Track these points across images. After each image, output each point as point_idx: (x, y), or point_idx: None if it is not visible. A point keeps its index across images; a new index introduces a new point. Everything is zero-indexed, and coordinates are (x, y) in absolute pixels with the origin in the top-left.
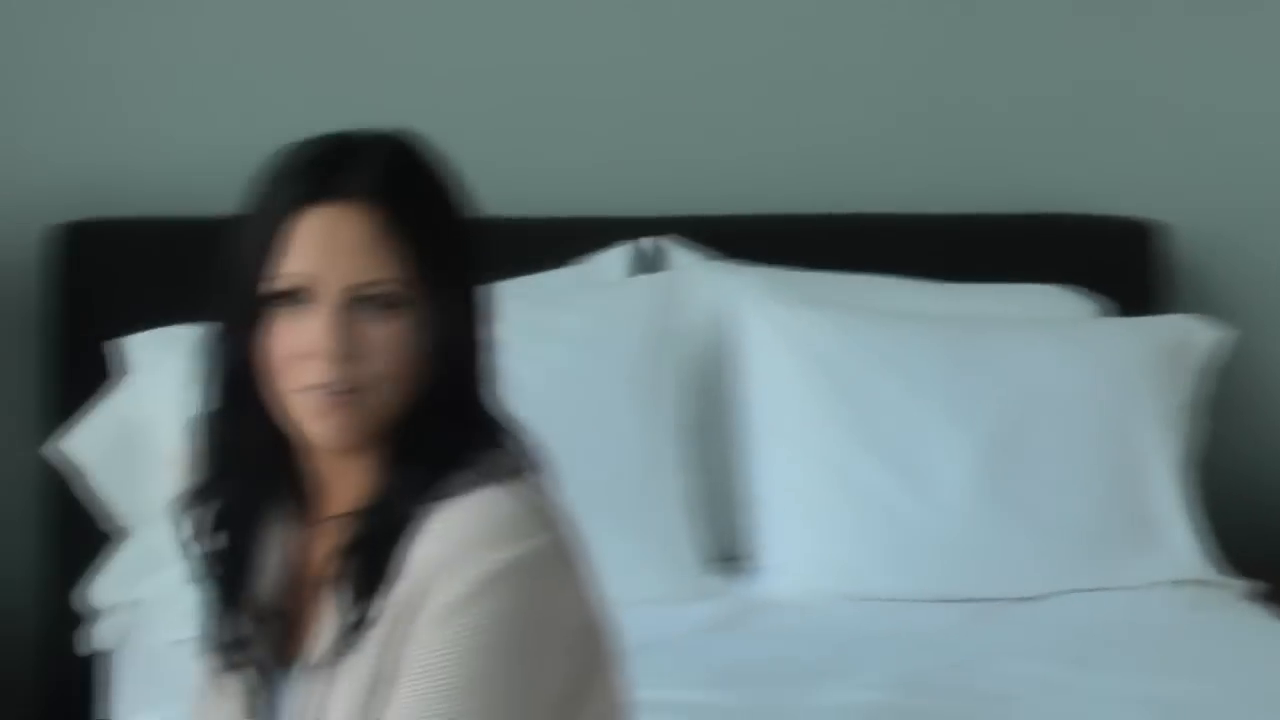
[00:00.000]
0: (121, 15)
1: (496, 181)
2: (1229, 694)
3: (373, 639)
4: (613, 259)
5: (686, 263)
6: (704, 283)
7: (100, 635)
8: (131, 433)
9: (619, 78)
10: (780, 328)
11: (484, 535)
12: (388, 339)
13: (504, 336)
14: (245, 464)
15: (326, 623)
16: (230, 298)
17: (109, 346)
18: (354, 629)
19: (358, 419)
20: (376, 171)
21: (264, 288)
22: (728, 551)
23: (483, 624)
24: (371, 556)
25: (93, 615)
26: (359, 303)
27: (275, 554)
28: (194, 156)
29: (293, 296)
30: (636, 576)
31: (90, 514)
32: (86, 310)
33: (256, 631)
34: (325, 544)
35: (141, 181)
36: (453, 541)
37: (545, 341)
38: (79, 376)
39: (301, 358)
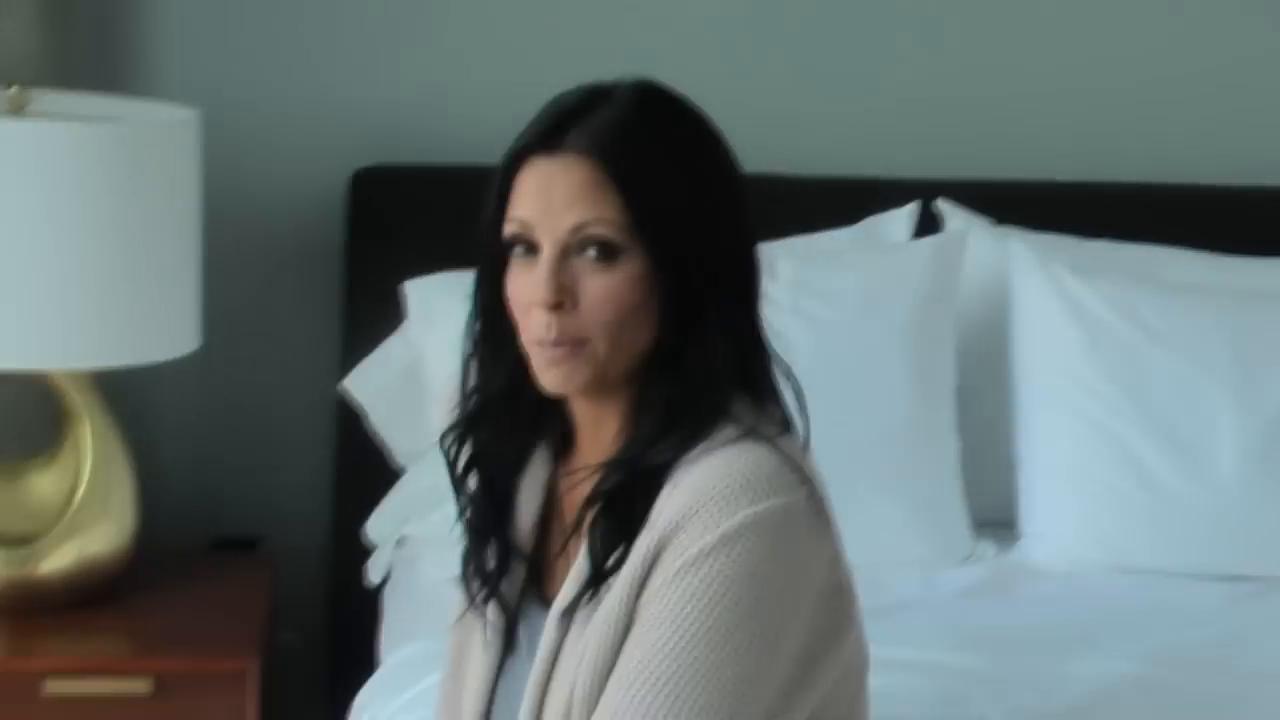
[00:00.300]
0: None
1: (784, 141)
2: None
3: (619, 586)
4: (896, 220)
5: (962, 226)
6: (981, 247)
7: (375, 570)
8: (409, 375)
9: (904, 47)
10: (1058, 294)
11: (735, 488)
12: (607, 289)
13: (777, 294)
14: (504, 406)
15: (576, 567)
16: (479, 244)
17: (399, 289)
18: (599, 577)
19: (582, 371)
20: (598, 124)
21: (498, 232)
22: (993, 517)
23: (728, 575)
24: (617, 508)
25: (371, 550)
26: (577, 252)
27: (533, 496)
28: (487, 105)
29: (523, 246)
30: (904, 537)
31: (375, 448)
32: (380, 252)
33: (510, 569)
34: (581, 489)
35: (440, 127)
36: (704, 493)
37: (823, 300)
38: (372, 316)
39: (529, 308)
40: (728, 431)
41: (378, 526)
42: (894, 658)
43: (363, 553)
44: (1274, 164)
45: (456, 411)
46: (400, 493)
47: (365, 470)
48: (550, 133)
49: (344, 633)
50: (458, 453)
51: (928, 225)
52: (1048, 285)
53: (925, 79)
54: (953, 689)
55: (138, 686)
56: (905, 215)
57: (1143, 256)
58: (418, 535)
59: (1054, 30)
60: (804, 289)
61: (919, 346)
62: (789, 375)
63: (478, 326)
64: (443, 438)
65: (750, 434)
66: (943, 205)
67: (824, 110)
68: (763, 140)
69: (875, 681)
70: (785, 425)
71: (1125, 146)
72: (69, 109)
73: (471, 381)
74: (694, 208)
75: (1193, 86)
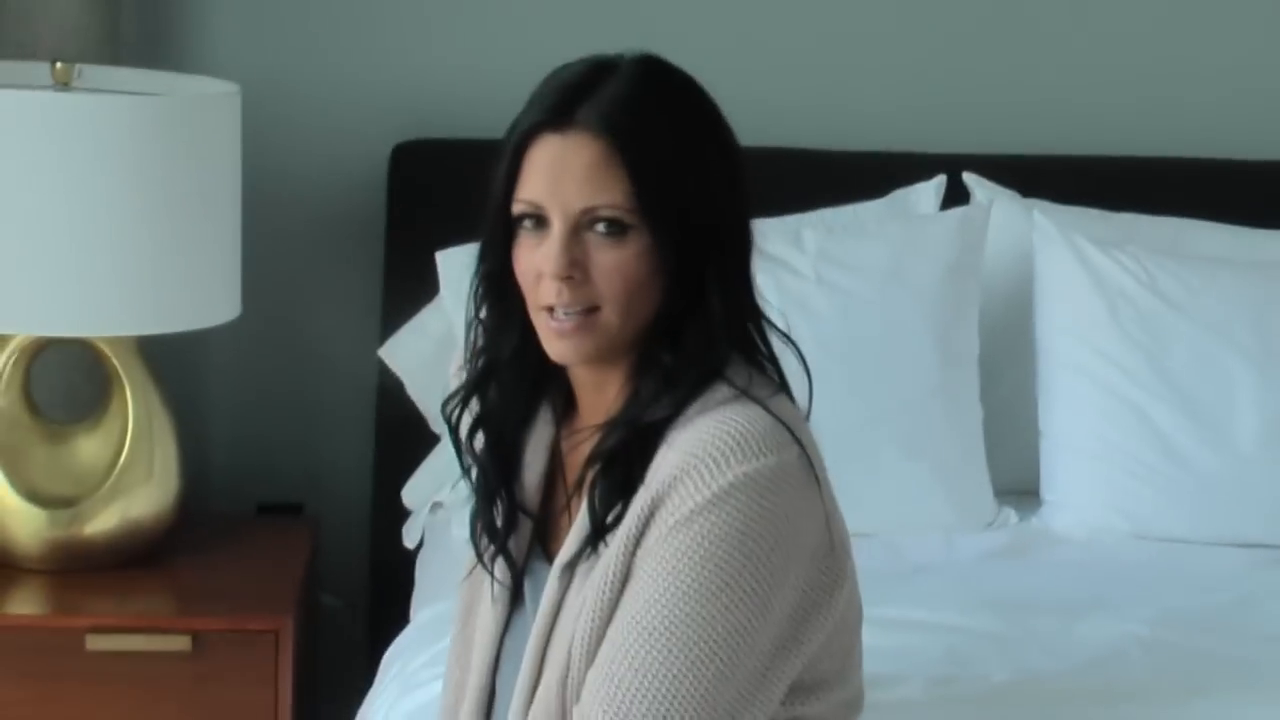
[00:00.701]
0: None
1: (814, 116)
2: None
3: (616, 542)
4: (923, 192)
5: (988, 198)
6: (1006, 218)
7: (411, 534)
8: (443, 343)
9: (935, 22)
10: (1081, 265)
11: (728, 447)
12: (616, 263)
13: (803, 264)
14: (508, 372)
15: (576, 524)
16: (486, 218)
17: (433, 260)
18: (597, 534)
19: (591, 341)
20: (606, 101)
21: (508, 208)
22: (1015, 484)
23: (720, 532)
24: (616, 467)
25: (406, 514)
26: (587, 227)
27: (538, 457)
28: (520, 80)
29: (533, 220)
30: (927, 504)
31: (415, 419)
32: (420, 224)
33: (516, 527)
34: (582, 449)
35: (477, 102)
36: (697, 452)
37: (851, 271)
38: (411, 287)
39: (539, 279)
40: (722, 392)
41: (414, 492)
42: (908, 618)
43: (402, 517)
44: None
45: (464, 376)
46: (435, 459)
47: (405, 437)
48: (560, 109)
49: (383, 595)
50: (460, 415)
51: (956, 198)
52: (1071, 256)
53: (955, 54)
54: (961, 648)
55: (177, 644)
56: (932, 188)
57: (1165, 229)
58: (450, 500)
59: (1081, 6)
60: (830, 259)
61: (943, 316)
62: (788, 340)
63: (483, 294)
64: (446, 402)
65: (743, 395)
66: (970, 178)
67: (856, 85)
68: (795, 114)
69: (885, 640)
70: (781, 388)
71: (1150, 121)
72: (113, 83)
73: (477, 346)
74: (698, 185)
75: (1216, 61)
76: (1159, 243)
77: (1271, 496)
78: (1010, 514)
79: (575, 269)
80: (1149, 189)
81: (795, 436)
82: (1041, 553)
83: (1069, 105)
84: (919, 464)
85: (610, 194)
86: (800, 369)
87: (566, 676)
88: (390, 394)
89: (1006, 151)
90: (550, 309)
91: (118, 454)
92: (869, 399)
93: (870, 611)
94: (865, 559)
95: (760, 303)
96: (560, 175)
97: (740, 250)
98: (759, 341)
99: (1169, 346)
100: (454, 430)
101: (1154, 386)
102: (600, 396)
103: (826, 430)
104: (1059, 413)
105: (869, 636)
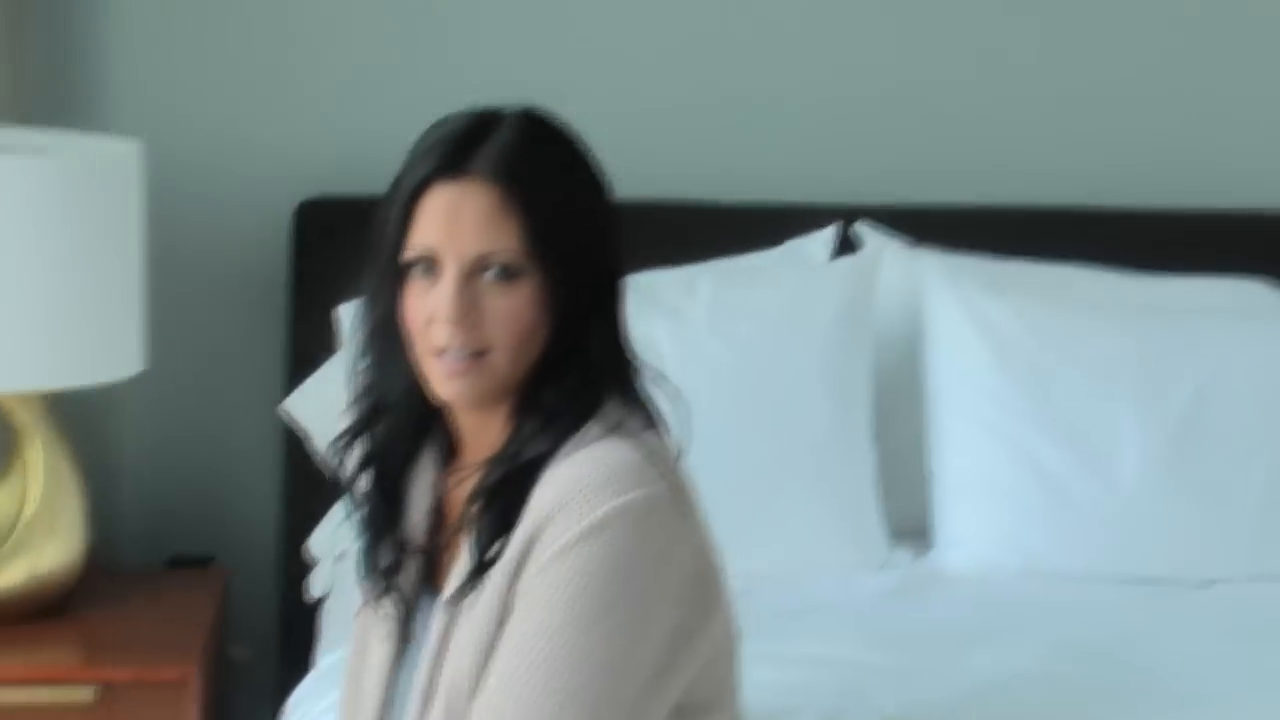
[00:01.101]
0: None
1: (710, 169)
2: None
3: (497, 576)
4: (816, 242)
5: (879, 247)
6: (896, 267)
7: (317, 584)
8: (345, 396)
9: (825, 78)
10: (968, 312)
11: (599, 481)
12: (507, 307)
13: (698, 312)
14: (393, 414)
15: (460, 560)
16: (374, 265)
17: (333, 315)
18: (479, 568)
19: (481, 382)
20: (498, 150)
21: (399, 254)
22: (910, 524)
23: (594, 563)
24: (496, 502)
25: (313, 565)
26: (480, 273)
27: (423, 495)
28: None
29: (424, 265)
30: (823, 543)
31: (316, 468)
32: (323, 279)
33: (403, 563)
34: (465, 486)
35: (381, 161)
36: (570, 487)
37: (744, 318)
38: (316, 341)
39: (429, 322)
40: (596, 430)
41: (320, 542)
42: (802, 654)
43: (310, 567)
44: (1171, 187)
45: (348, 419)
46: (340, 510)
47: (311, 488)
48: (453, 158)
49: (291, 645)
50: (345, 456)
51: (849, 248)
52: (959, 303)
53: (847, 108)
54: (853, 682)
55: (82, 695)
56: (825, 237)
57: (1050, 275)
58: (352, 550)
59: (969, 65)
60: (725, 307)
61: (836, 362)
62: (661, 381)
63: (369, 339)
64: (333, 442)
65: (615, 431)
66: (862, 228)
67: (750, 139)
68: (690, 168)
69: (779, 675)
70: (652, 425)
71: (1035, 171)
72: (17, 142)
73: (361, 389)
74: (584, 231)
75: (1096, 114)
76: (1044, 289)
77: (1153, 530)
78: (904, 554)
79: (469, 313)
80: (1035, 237)
81: (664, 471)
82: (934, 590)
83: (957, 157)
84: (814, 505)
85: (505, 239)
86: (674, 407)
87: (453, 709)
88: (296, 446)
89: (897, 202)
90: (440, 351)
91: (21, 508)
92: (765, 443)
93: (765, 647)
94: (762, 597)
95: (633, 345)
96: (455, 221)
97: (617, 294)
98: (634, 381)
99: (1054, 389)
100: (340, 469)
101: (1040, 427)
102: (483, 435)
103: (723, 472)
104: (949, 455)
105: (764, 672)
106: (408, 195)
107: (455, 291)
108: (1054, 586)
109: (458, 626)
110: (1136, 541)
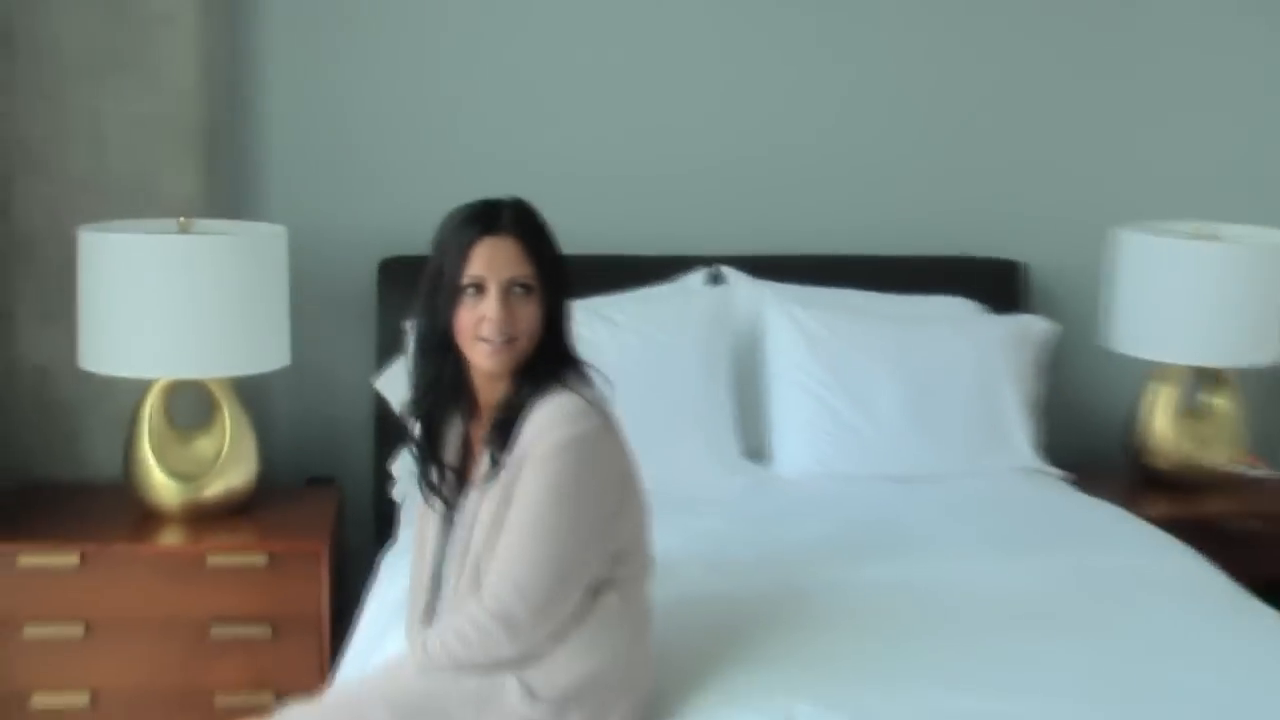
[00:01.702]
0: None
1: (630, 233)
2: (1041, 526)
3: (504, 476)
4: (695, 278)
5: (736, 280)
6: (747, 292)
7: (398, 492)
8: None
9: (701, 170)
10: (792, 320)
11: (570, 415)
12: (529, 311)
13: (622, 319)
14: (442, 384)
15: (481, 466)
16: (433, 293)
17: (403, 326)
18: (495, 468)
19: (509, 357)
20: (515, 219)
21: (458, 282)
22: (755, 448)
23: (562, 468)
24: (503, 430)
25: (393, 481)
26: (510, 290)
27: (456, 435)
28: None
29: (474, 288)
30: (700, 461)
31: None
32: (400, 305)
33: (445, 477)
34: (482, 425)
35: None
36: (547, 419)
37: (648, 322)
38: (396, 344)
39: (479, 322)
40: (559, 389)
41: (397, 467)
42: (690, 526)
43: (392, 482)
44: (910, 241)
45: (412, 390)
46: (407, 446)
47: (392, 433)
48: (488, 223)
49: (381, 531)
50: (409, 413)
51: (717, 280)
52: (785, 315)
53: (714, 194)
54: (723, 542)
55: (259, 560)
56: (700, 275)
57: (839, 296)
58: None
59: (798, 150)
60: (638, 318)
61: (708, 352)
62: (594, 364)
63: (428, 339)
64: (403, 406)
65: (571, 389)
66: (724, 269)
67: (656, 213)
68: (618, 232)
69: (676, 538)
70: (595, 386)
71: (829, 231)
72: (212, 227)
73: (422, 371)
74: (559, 266)
75: (866, 198)
76: (836, 304)
77: (901, 447)
78: (752, 466)
79: (506, 314)
80: (830, 273)
81: (602, 412)
82: (771, 488)
83: (782, 223)
84: (694, 437)
85: (525, 269)
86: (604, 378)
87: (477, 558)
88: (383, 407)
89: (747, 253)
90: (487, 340)
91: (221, 449)
92: (662, 399)
93: (668, 522)
94: (664, 492)
95: (578, 339)
96: (495, 259)
97: (569, 309)
98: (580, 361)
99: (844, 364)
100: (407, 422)
101: (834, 388)
102: (493, 393)
103: (637, 419)
104: (780, 404)
105: (667, 537)
106: (463, 246)
107: (500, 301)
108: (842, 484)
109: (481, 508)
110: (892, 455)
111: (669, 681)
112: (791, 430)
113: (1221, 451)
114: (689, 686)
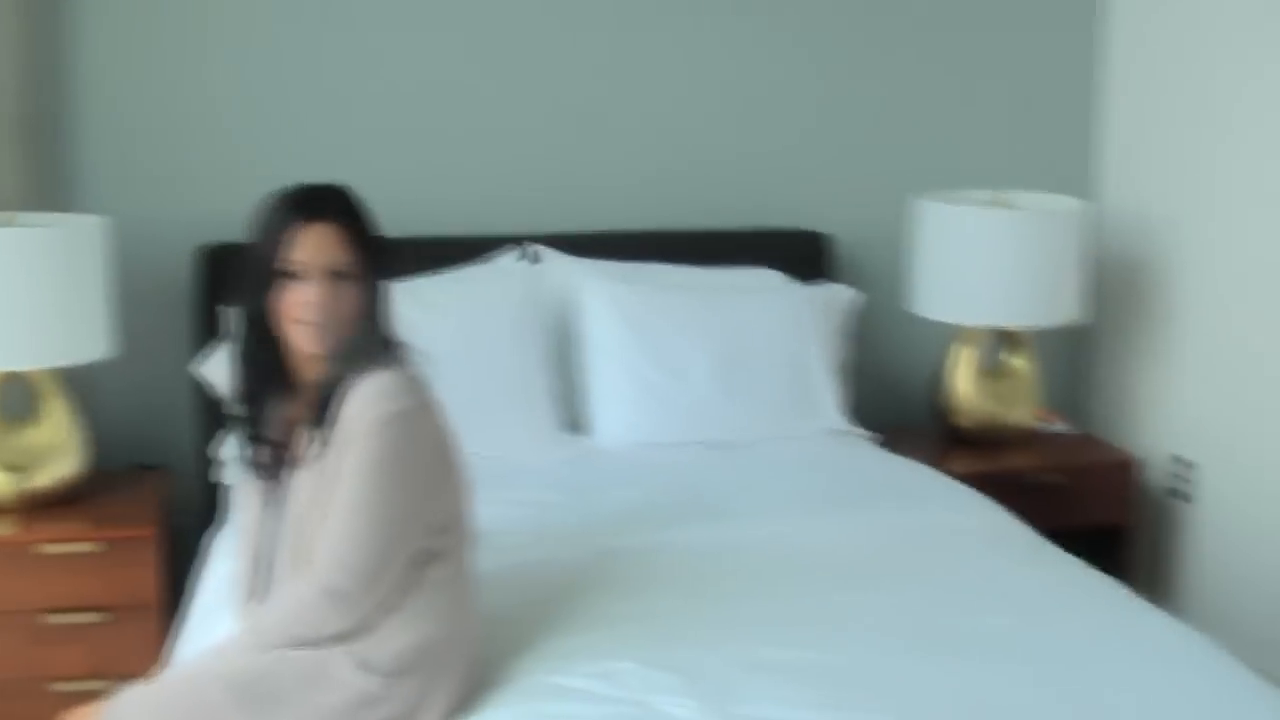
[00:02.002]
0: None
1: (434, 211)
2: (851, 486)
3: (327, 454)
4: (508, 256)
5: (551, 258)
6: (562, 269)
7: (220, 474)
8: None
9: (515, 144)
10: (606, 294)
11: (381, 395)
12: (347, 297)
13: (439, 300)
14: (263, 366)
15: (305, 445)
16: (261, 274)
17: (222, 312)
18: (318, 446)
19: (329, 339)
20: (337, 204)
21: (278, 268)
22: (574, 419)
23: (383, 443)
24: (325, 408)
25: (218, 462)
26: (329, 276)
27: (279, 413)
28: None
29: (295, 274)
30: (521, 435)
31: (219, 405)
32: (218, 290)
33: (267, 456)
34: (304, 404)
35: (233, 223)
36: (364, 400)
37: (465, 301)
38: (215, 329)
39: (301, 306)
40: (378, 368)
41: (224, 450)
42: (512, 497)
43: (218, 466)
44: (718, 214)
45: (234, 373)
46: (230, 429)
47: (215, 418)
48: (311, 210)
49: (211, 511)
50: (232, 396)
51: (534, 259)
52: (600, 291)
53: (524, 178)
54: (545, 511)
55: (92, 547)
56: (516, 253)
57: (652, 270)
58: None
59: (617, 131)
60: (455, 296)
61: (522, 327)
62: (412, 344)
63: (249, 324)
64: (229, 389)
65: (389, 367)
66: (540, 248)
67: (474, 197)
68: (426, 213)
69: (500, 510)
70: (413, 365)
71: (640, 207)
72: (30, 220)
73: (244, 355)
74: (377, 252)
75: (677, 176)
76: (649, 278)
77: (714, 415)
78: (572, 438)
79: (326, 300)
80: (642, 248)
81: (420, 389)
82: (589, 458)
83: (594, 200)
84: (511, 410)
85: (346, 255)
86: (421, 357)
87: (300, 531)
88: (204, 394)
89: (563, 230)
90: (307, 323)
91: (49, 439)
92: (480, 373)
93: (490, 494)
94: (485, 465)
95: (399, 320)
96: (316, 246)
97: (389, 288)
98: (399, 341)
99: (657, 336)
100: (230, 405)
101: (648, 359)
102: (311, 372)
103: (457, 397)
104: (597, 377)
105: (491, 509)
106: (284, 233)
107: (321, 288)
108: (657, 452)
109: (305, 486)
110: (704, 422)
111: (497, 648)
112: (609, 402)
113: (1020, 409)
114: (516, 652)
